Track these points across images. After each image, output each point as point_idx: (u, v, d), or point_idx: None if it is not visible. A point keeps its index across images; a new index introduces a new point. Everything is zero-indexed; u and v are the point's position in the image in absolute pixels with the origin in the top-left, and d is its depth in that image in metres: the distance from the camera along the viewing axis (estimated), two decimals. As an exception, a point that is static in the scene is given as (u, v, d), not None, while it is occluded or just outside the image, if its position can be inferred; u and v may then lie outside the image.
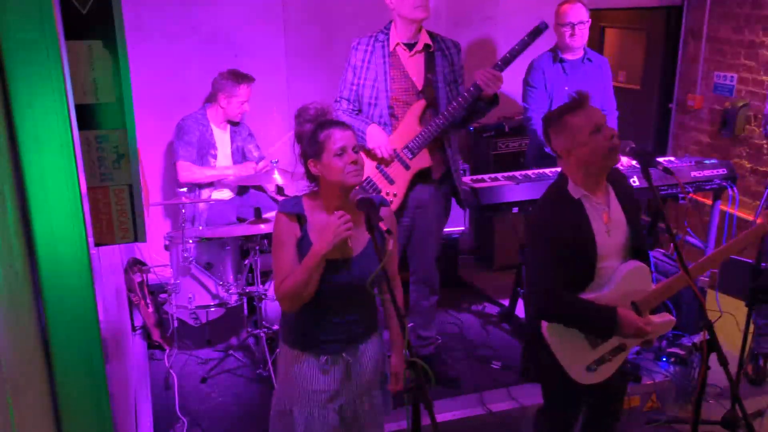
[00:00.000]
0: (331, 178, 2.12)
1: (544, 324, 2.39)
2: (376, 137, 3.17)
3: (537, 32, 3.11)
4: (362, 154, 3.15)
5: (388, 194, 3.22)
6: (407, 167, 3.23)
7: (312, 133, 2.14)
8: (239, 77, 4.05)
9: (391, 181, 3.22)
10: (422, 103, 3.22)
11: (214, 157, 4.16)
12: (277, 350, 3.66)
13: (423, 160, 3.24)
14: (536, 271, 2.40)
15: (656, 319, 2.43)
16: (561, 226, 2.34)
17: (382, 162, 3.23)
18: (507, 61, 3.10)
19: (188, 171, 4.06)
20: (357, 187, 2.19)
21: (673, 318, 2.47)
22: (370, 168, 3.21)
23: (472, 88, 3.10)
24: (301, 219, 2.16)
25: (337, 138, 2.10)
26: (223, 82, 4.05)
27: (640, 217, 2.44)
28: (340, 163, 2.09)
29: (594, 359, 2.41)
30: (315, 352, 2.23)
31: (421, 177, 3.28)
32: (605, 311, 2.31)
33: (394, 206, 3.22)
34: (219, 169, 4.15)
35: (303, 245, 2.13)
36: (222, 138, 4.20)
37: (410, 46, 3.24)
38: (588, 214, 2.36)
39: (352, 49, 3.25)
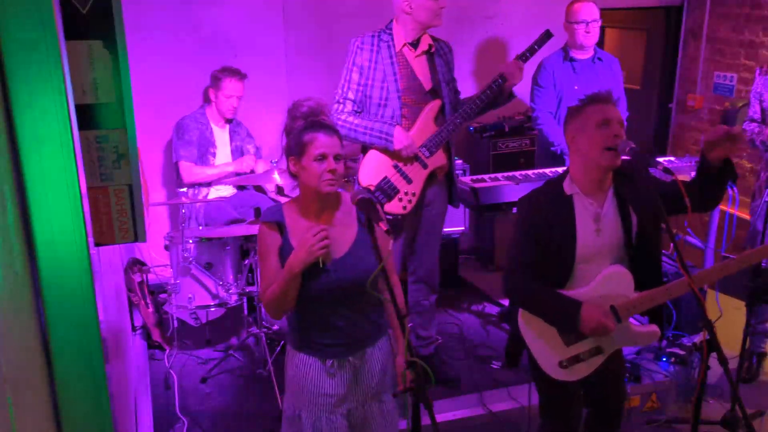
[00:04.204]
0: (307, 182, 2.11)
1: (520, 316, 2.41)
2: (403, 138, 3.15)
3: (542, 40, 3.20)
4: (375, 155, 3.20)
5: (406, 194, 3.21)
6: (425, 166, 3.23)
7: (298, 132, 2.12)
8: (225, 71, 4.08)
9: (409, 181, 3.21)
10: (438, 102, 3.23)
11: (214, 155, 4.16)
12: (278, 349, 3.68)
13: (439, 158, 3.25)
14: (510, 252, 2.43)
15: (638, 328, 2.42)
16: (542, 215, 2.36)
17: (405, 161, 3.21)
18: (527, 56, 3.21)
19: (190, 171, 4.08)
20: (360, 187, 2.18)
21: (657, 330, 2.43)
22: (387, 167, 3.21)
23: (499, 80, 3.17)
24: (280, 226, 2.16)
25: (321, 143, 2.07)
26: (212, 76, 4.11)
27: (659, 227, 2.40)
28: (318, 168, 2.07)
29: (567, 357, 2.40)
30: (320, 356, 2.21)
31: (431, 176, 3.28)
32: (570, 302, 2.30)
33: (411, 206, 3.22)
34: (220, 166, 4.16)
35: (284, 252, 2.13)
36: (221, 137, 4.20)
37: (414, 46, 3.23)
38: (576, 212, 2.36)
39: (356, 48, 3.20)
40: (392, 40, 3.21)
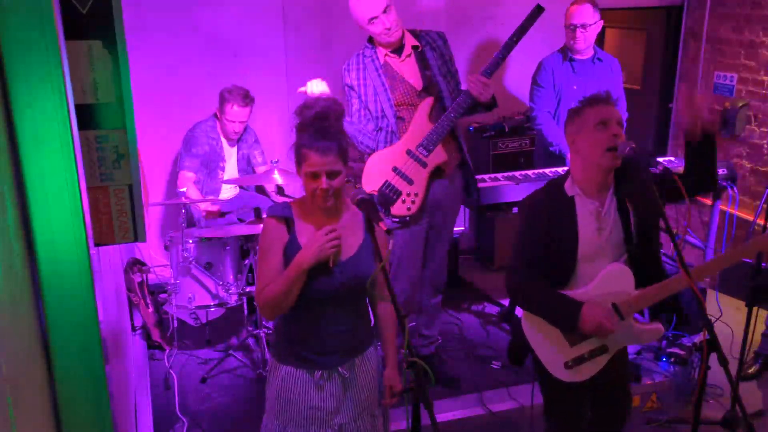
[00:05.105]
0: (304, 191, 2.13)
1: (524, 317, 2.42)
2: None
3: (533, 16, 3.12)
4: (374, 161, 3.20)
5: (409, 194, 3.20)
6: (424, 165, 3.21)
7: (298, 141, 2.10)
8: (231, 93, 3.97)
9: (410, 182, 3.20)
10: (430, 100, 3.23)
11: (222, 169, 4.16)
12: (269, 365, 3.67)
13: (439, 155, 3.23)
14: (512, 252, 2.44)
15: (641, 326, 2.42)
16: (544, 217, 2.37)
17: (400, 157, 3.19)
18: (497, 64, 3.13)
19: (186, 186, 4.01)
20: (358, 187, 2.18)
21: (661, 327, 2.44)
22: (386, 171, 3.21)
23: (464, 96, 3.13)
24: (289, 222, 2.14)
25: (312, 163, 2.04)
26: (220, 95, 4.02)
27: (657, 224, 2.40)
28: (310, 185, 2.07)
29: (572, 357, 2.40)
30: (309, 367, 2.17)
31: (436, 173, 3.27)
32: (570, 303, 2.31)
33: (416, 206, 3.21)
34: (213, 200, 4.09)
35: (290, 249, 2.11)
36: (230, 149, 4.20)
37: (398, 52, 3.25)
38: (577, 212, 2.37)
39: (344, 72, 3.26)
40: (375, 54, 3.25)
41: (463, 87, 3.36)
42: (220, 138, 4.12)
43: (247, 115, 4.05)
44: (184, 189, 3.81)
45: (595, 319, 2.27)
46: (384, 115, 3.22)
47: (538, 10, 3.12)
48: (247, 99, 3.99)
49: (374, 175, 3.21)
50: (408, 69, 3.25)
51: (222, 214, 4.19)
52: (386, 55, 3.24)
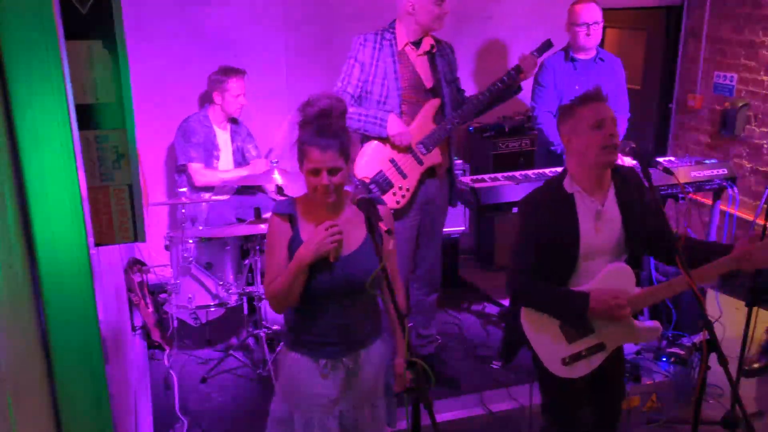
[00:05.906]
0: (306, 187, 2.15)
1: (523, 315, 2.42)
2: (397, 125, 3.17)
3: (542, 49, 3.34)
4: (371, 148, 3.20)
5: (400, 188, 3.23)
6: (420, 162, 3.24)
7: (300, 138, 2.12)
8: (226, 71, 4.05)
9: (404, 176, 3.23)
10: (437, 101, 3.25)
11: (217, 158, 4.15)
12: (278, 349, 3.67)
13: (435, 156, 3.26)
14: (514, 252, 2.44)
15: (640, 324, 2.42)
16: (544, 215, 2.37)
17: (401, 155, 3.23)
18: (539, 52, 3.34)
19: (202, 174, 4.04)
20: (359, 185, 2.18)
21: (659, 326, 2.45)
22: (383, 161, 3.22)
23: (513, 72, 3.25)
24: (292, 219, 2.17)
25: (313, 159, 2.06)
26: (213, 78, 4.07)
27: (654, 222, 2.40)
28: (312, 182, 2.09)
29: (569, 354, 2.41)
30: (314, 356, 2.21)
31: (428, 172, 3.29)
32: (578, 294, 2.32)
33: (405, 201, 3.24)
34: (233, 171, 4.13)
35: (293, 245, 2.14)
36: (224, 139, 4.20)
37: (417, 45, 3.26)
38: (577, 209, 2.37)
39: (358, 45, 3.22)
40: (395, 38, 3.24)
41: (466, 85, 3.39)
42: (213, 126, 4.15)
43: (245, 86, 4.12)
44: (184, 189, 3.81)
45: (606, 299, 2.28)
46: (386, 101, 3.21)
47: (548, 44, 3.36)
48: (241, 71, 4.10)
49: (369, 162, 3.23)
50: (421, 65, 3.28)
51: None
52: (406, 44, 3.24)
